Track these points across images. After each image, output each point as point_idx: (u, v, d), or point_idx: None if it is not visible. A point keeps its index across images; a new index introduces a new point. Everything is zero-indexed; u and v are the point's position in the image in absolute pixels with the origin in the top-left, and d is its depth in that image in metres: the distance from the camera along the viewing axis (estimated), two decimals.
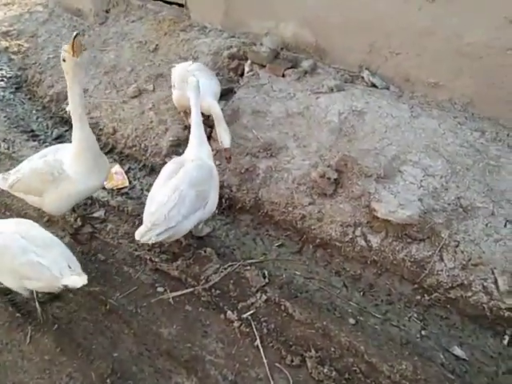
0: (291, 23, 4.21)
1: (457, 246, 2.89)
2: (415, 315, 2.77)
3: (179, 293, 2.86)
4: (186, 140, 3.81)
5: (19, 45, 5.59)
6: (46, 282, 2.42)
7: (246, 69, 4.32)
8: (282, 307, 2.76)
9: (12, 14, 6.19)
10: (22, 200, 3.47)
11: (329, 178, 3.28)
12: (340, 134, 3.58)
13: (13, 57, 5.45)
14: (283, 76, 4.12)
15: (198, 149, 2.94)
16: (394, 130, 3.53)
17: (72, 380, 2.43)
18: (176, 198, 2.65)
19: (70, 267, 2.43)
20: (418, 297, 2.87)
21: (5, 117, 4.48)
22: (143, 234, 2.63)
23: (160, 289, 2.90)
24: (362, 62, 3.98)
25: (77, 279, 2.40)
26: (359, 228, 3.13)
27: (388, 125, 3.57)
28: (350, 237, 3.13)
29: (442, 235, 2.93)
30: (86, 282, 2.41)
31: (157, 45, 4.84)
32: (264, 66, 4.20)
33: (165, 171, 2.91)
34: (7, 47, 5.58)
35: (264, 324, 2.69)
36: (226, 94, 4.20)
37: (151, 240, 2.62)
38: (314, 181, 3.33)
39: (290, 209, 3.32)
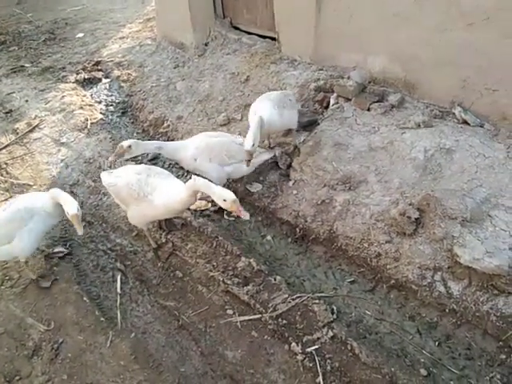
0: (380, 57, 4.19)
1: None
2: (498, 376, 2.52)
3: (247, 318, 2.93)
4: (266, 166, 3.98)
5: (129, 74, 6.26)
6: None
7: (332, 101, 4.36)
8: (349, 346, 2.69)
9: (125, 46, 6.98)
10: (117, 214, 3.87)
11: (409, 217, 3.14)
12: (425, 171, 3.43)
13: (122, 84, 6.12)
14: (368, 110, 4.08)
15: None
16: (486, 171, 3.30)
17: None
18: None
19: None
20: (503, 356, 2.62)
21: (110, 138, 5.00)
22: None
23: (229, 311, 3.00)
24: (454, 98, 3.80)
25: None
26: (439, 273, 2.95)
27: (479, 165, 3.34)
28: (429, 281, 2.96)
29: None
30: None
31: (248, 76, 5.10)
32: (349, 100, 4.21)
33: None
34: (119, 76, 6.29)
35: (328, 361, 2.64)
36: (309, 125, 4.28)
37: None
38: (393, 218, 3.21)
39: (366, 245, 3.24)
